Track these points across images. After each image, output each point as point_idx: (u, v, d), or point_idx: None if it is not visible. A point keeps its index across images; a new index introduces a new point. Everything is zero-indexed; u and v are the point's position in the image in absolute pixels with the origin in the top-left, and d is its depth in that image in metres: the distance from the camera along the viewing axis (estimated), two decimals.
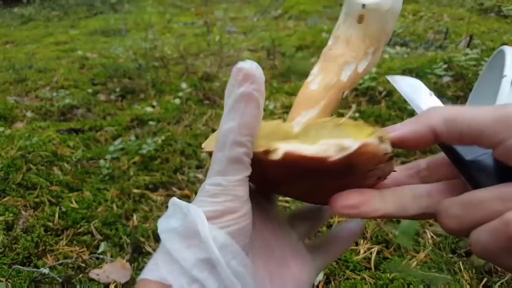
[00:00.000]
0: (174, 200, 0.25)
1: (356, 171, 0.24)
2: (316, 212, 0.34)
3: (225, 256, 0.22)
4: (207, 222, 0.23)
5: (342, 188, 0.25)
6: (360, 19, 0.31)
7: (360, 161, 0.23)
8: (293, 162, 0.24)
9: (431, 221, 0.87)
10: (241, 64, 0.24)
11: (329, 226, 0.88)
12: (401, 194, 0.25)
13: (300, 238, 0.31)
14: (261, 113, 0.25)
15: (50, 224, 0.94)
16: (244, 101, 0.24)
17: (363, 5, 0.30)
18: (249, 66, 0.24)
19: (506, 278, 0.67)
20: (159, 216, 1.03)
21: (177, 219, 0.24)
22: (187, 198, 1.03)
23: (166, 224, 0.24)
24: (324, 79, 0.31)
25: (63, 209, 0.99)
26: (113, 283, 0.78)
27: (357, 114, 1.34)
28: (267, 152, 0.24)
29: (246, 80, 0.24)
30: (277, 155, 0.23)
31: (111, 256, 0.85)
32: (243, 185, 0.24)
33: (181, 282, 0.22)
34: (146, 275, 0.23)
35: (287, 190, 0.30)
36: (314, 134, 0.26)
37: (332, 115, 0.31)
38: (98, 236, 0.92)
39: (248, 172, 0.24)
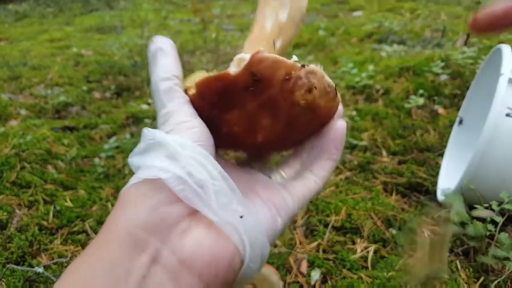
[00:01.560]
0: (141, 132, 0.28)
1: (268, 82, 0.26)
2: None
3: (183, 150, 0.24)
4: (164, 133, 0.26)
5: (271, 108, 0.27)
6: None
7: (263, 70, 0.25)
8: (206, 89, 0.27)
9: (428, 219, 0.87)
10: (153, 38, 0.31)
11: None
12: None
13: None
14: (177, 58, 0.30)
15: (45, 223, 0.93)
16: (157, 54, 0.30)
17: None
18: (159, 36, 0.31)
19: (503, 277, 0.67)
20: None
21: (141, 143, 0.27)
22: None
23: (132, 152, 0.28)
24: (250, 34, 0.34)
25: (58, 208, 0.98)
26: None
27: (354, 113, 1.34)
28: (186, 91, 0.28)
29: (156, 42, 0.30)
30: (191, 90, 0.28)
31: None
32: (185, 105, 0.27)
33: (148, 174, 0.24)
34: (122, 190, 0.26)
35: (233, 137, 0.30)
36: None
37: None
38: (93, 235, 0.91)
39: (184, 98, 0.28)
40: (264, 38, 0.32)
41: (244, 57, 0.26)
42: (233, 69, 0.26)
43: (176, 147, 0.24)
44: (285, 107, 0.27)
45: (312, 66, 0.27)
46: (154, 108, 0.29)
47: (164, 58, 0.29)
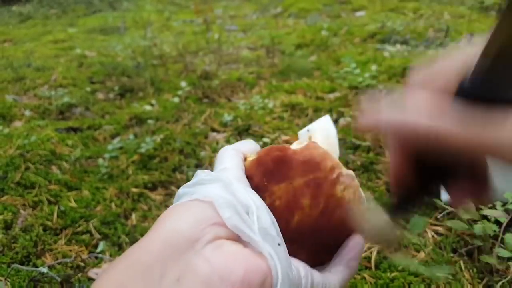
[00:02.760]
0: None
1: (317, 166, 0.30)
2: None
3: (234, 183, 0.27)
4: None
5: (314, 188, 0.30)
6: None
7: (316, 154, 0.31)
8: (265, 155, 0.32)
9: (432, 220, 0.87)
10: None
11: None
12: None
13: None
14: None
15: (49, 223, 0.94)
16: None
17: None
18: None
19: (507, 278, 0.67)
20: (158, 215, 1.02)
21: (195, 178, 0.29)
22: None
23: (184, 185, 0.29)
24: None
25: (62, 208, 0.98)
26: None
27: (357, 113, 1.34)
28: (245, 158, 0.33)
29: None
30: (251, 157, 0.32)
31: (110, 255, 0.85)
32: (238, 167, 0.31)
33: (203, 195, 0.26)
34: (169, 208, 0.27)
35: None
36: None
37: None
38: (97, 235, 0.91)
39: (240, 162, 0.31)
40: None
41: (311, 131, 0.32)
42: (295, 145, 0.31)
43: (229, 178, 0.28)
44: (325, 193, 0.30)
45: (352, 173, 0.31)
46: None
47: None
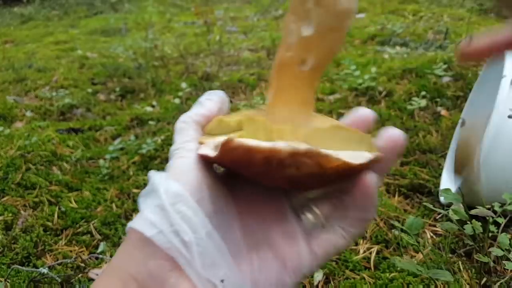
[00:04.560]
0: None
1: (248, 170, 0.27)
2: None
3: (175, 203, 0.25)
4: (163, 177, 0.26)
5: (271, 178, 0.27)
6: None
7: (236, 160, 0.26)
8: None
9: (430, 221, 0.87)
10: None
11: None
12: None
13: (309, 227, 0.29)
14: (214, 111, 0.30)
15: (49, 224, 0.94)
16: (198, 103, 0.31)
17: None
18: (214, 91, 0.32)
19: (505, 278, 0.67)
20: None
21: (148, 184, 0.28)
22: None
23: (142, 191, 0.28)
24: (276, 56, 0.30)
25: (63, 209, 0.99)
26: None
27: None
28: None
29: (207, 94, 0.31)
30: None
31: (111, 256, 0.85)
32: (190, 142, 0.28)
33: (142, 227, 0.25)
34: (129, 224, 0.27)
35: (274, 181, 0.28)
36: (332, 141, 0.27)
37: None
38: (98, 236, 0.92)
39: (193, 136, 0.29)
40: (284, 63, 0.28)
41: (229, 119, 0.28)
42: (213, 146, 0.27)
43: (165, 199, 0.25)
44: (282, 178, 0.26)
45: (297, 147, 0.23)
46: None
47: (198, 107, 0.31)
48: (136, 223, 0.26)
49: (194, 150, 0.27)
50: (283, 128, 0.26)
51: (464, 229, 0.64)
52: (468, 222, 0.64)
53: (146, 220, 0.25)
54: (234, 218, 0.28)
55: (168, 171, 0.27)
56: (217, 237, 0.25)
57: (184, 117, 0.30)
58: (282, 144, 0.24)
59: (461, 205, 0.65)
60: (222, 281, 0.25)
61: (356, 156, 0.25)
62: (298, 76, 0.27)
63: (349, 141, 0.27)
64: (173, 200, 0.25)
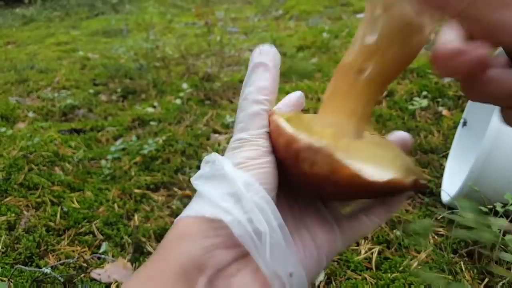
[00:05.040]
0: (206, 157, 0.28)
1: (276, 147, 0.27)
2: None
3: (248, 192, 0.24)
4: (232, 165, 0.26)
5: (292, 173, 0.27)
6: None
7: (271, 133, 0.27)
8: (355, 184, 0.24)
9: (432, 221, 0.87)
10: (259, 46, 0.29)
11: None
12: None
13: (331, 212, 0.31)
14: (277, 79, 0.29)
15: (52, 224, 0.95)
16: (259, 69, 0.28)
17: None
18: (265, 46, 0.29)
19: (507, 279, 0.67)
20: (160, 216, 1.03)
21: (207, 168, 0.27)
22: (188, 198, 1.03)
23: (197, 174, 0.27)
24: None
25: (65, 209, 0.99)
26: (115, 283, 0.79)
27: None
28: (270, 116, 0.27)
29: (261, 54, 0.29)
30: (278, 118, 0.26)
31: (113, 256, 0.86)
32: (264, 138, 0.27)
33: (211, 212, 0.24)
34: (181, 216, 0.26)
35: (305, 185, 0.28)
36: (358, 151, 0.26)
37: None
38: (100, 236, 0.92)
39: (265, 129, 0.27)
40: (343, 68, 0.27)
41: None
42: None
43: (242, 188, 0.24)
44: (300, 173, 0.26)
45: (315, 143, 0.24)
46: (235, 120, 0.28)
47: (263, 77, 0.28)
48: (206, 210, 0.25)
49: (266, 144, 0.27)
50: (324, 131, 0.26)
51: (476, 237, 0.64)
52: (480, 229, 0.64)
53: (218, 207, 0.24)
54: (280, 204, 0.29)
55: (235, 159, 0.26)
56: (286, 229, 0.25)
57: (258, 97, 0.28)
58: (303, 136, 0.24)
59: (474, 210, 0.65)
60: (291, 274, 0.25)
61: (378, 173, 0.24)
62: (353, 85, 0.26)
63: (383, 159, 0.26)
64: (246, 189, 0.24)
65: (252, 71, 0.29)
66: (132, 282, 0.24)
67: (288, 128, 0.25)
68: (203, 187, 0.26)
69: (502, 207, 0.73)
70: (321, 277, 0.75)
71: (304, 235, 0.28)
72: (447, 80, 1.47)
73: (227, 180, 0.25)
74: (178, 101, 1.59)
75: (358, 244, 0.82)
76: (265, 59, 0.29)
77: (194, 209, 0.26)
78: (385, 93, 1.48)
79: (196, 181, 0.27)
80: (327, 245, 0.28)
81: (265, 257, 0.24)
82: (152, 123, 1.44)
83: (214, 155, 0.27)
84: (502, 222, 0.66)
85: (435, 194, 0.96)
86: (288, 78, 1.80)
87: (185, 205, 0.28)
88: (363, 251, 0.80)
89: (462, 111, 1.15)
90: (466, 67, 0.19)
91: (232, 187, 0.25)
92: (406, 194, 0.29)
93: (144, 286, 0.23)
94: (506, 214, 0.73)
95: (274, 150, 0.27)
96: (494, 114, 0.75)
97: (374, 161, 0.25)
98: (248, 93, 0.28)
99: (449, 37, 0.20)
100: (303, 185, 0.28)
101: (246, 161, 0.26)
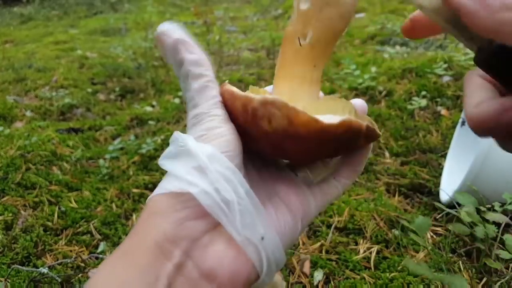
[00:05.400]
0: (171, 137, 0.28)
1: (233, 114, 0.28)
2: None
3: (212, 163, 0.25)
4: (193, 140, 0.26)
5: (252, 135, 0.27)
6: None
7: (225, 102, 0.28)
8: (225, 102, 0.27)
9: (431, 221, 0.87)
10: (161, 28, 0.29)
11: None
12: None
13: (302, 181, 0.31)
14: (201, 50, 0.29)
15: (49, 223, 0.94)
16: (181, 45, 0.28)
17: None
18: (166, 24, 0.29)
19: (506, 278, 0.67)
20: None
21: (172, 147, 0.27)
22: None
23: (163, 154, 0.28)
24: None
25: (63, 209, 0.99)
26: None
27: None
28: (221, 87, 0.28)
29: (169, 30, 0.28)
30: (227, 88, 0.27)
31: None
32: (218, 107, 0.27)
33: (178, 186, 0.25)
34: (151, 196, 0.26)
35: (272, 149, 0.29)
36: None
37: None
38: (98, 236, 0.91)
39: (218, 98, 0.28)
40: (286, 38, 0.29)
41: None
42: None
43: (205, 160, 0.25)
44: (261, 135, 0.26)
45: (269, 98, 0.25)
46: (185, 100, 0.29)
47: (190, 51, 0.28)
48: (173, 185, 0.25)
49: (221, 112, 0.27)
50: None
51: (475, 231, 0.64)
52: (479, 224, 0.64)
53: (184, 181, 0.25)
54: (250, 176, 0.29)
55: (196, 133, 0.27)
56: (254, 195, 0.26)
57: (197, 71, 0.28)
58: (255, 95, 0.25)
59: (474, 206, 0.65)
60: (262, 238, 0.25)
61: (332, 118, 0.25)
62: (299, 52, 0.28)
63: (335, 109, 0.28)
64: (210, 161, 0.25)
65: (174, 50, 0.28)
66: (108, 259, 0.24)
67: (240, 92, 0.26)
68: (169, 166, 0.27)
69: (501, 206, 0.73)
70: (320, 276, 0.75)
71: (276, 202, 0.29)
72: (445, 79, 1.47)
73: (190, 155, 0.26)
74: (176, 100, 1.59)
75: (356, 244, 0.82)
76: (177, 35, 0.28)
77: (162, 187, 0.26)
78: (384, 92, 1.47)
79: (162, 161, 0.28)
80: (301, 209, 0.29)
81: (235, 224, 0.25)
82: (150, 122, 1.43)
83: (177, 134, 0.27)
84: (498, 216, 0.66)
85: (434, 193, 0.96)
86: None
87: None
88: (361, 251, 0.80)
89: (461, 110, 1.15)
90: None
91: (196, 160, 0.25)
92: (367, 148, 0.30)
93: (120, 261, 0.24)
94: (504, 214, 0.73)
95: (233, 118, 0.27)
96: None
97: (329, 112, 0.27)
98: (186, 71, 0.28)
99: (479, 97, 0.22)
100: (268, 150, 0.29)
101: (206, 133, 0.26)
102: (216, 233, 0.25)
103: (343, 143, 0.26)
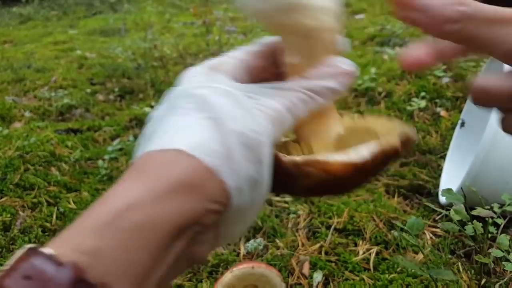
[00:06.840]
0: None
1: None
2: None
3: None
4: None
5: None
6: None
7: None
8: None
9: (430, 221, 0.87)
10: None
11: None
12: None
13: None
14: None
15: (48, 224, 0.94)
16: None
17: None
18: None
19: (505, 279, 0.67)
20: None
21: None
22: None
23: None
24: None
25: (61, 210, 0.98)
26: None
27: (356, 115, 1.34)
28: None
29: None
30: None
31: None
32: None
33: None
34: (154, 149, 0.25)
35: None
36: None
37: None
38: None
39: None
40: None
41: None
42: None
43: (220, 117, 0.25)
44: (300, 187, 0.27)
45: (298, 160, 0.25)
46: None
47: None
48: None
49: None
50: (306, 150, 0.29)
51: (465, 229, 0.64)
52: (469, 222, 0.64)
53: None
54: None
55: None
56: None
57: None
58: (285, 158, 0.26)
59: (462, 205, 0.65)
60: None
61: (357, 152, 0.25)
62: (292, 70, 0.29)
63: (362, 135, 0.29)
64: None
65: None
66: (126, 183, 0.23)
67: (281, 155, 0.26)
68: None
69: (500, 207, 0.73)
70: (319, 277, 0.75)
71: None
72: (445, 81, 1.47)
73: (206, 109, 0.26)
74: None
75: (356, 245, 0.82)
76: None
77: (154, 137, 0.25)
78: (383, 93, 1.47)
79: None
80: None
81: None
82: None
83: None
84: (485, 212, 0.65)
85: (433, 194, 0.96)
86: None
87: None
88: (361, 252, 0.80)
89: (460, 112, 1.15)
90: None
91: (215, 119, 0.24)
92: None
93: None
94: (503, 215, 0.73)
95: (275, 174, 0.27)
96: (492, 115, 0.75)
97: (358, 140, 0.27)
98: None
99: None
100: (307, 194, 0.30)
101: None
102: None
103: (386, 163, 0.27)
